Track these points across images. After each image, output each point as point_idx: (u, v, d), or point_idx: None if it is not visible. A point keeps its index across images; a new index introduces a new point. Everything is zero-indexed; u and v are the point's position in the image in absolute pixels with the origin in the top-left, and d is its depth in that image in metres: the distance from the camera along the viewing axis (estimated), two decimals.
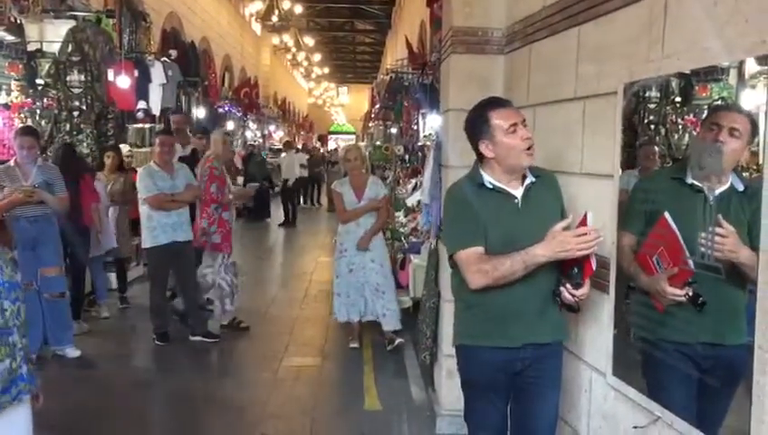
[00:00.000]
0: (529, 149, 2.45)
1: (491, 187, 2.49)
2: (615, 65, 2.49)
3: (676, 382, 2.20)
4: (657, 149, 2.47)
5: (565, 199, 2.65)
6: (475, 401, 2.65)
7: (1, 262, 2.15)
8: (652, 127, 2.47)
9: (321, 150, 23.07)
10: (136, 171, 6.46)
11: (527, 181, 2.51)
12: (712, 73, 2.10)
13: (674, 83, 2.32)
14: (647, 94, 2.44)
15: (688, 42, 2.08)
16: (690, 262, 2.02)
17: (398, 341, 5.62)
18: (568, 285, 2.36)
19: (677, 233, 2.08)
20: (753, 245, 1.78)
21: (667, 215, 2.12)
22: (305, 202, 17.89)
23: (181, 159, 6.54)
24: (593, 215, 2.32)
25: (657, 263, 2.18)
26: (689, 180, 2.12)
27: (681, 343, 2.18)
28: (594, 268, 2.32)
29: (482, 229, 2.45)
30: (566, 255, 2.26)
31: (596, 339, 2.67)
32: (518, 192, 2.50)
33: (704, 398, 2.12)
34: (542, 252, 2.30)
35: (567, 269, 2.38)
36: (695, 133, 2.26)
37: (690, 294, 2.06)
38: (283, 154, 16.73)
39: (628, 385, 2.42)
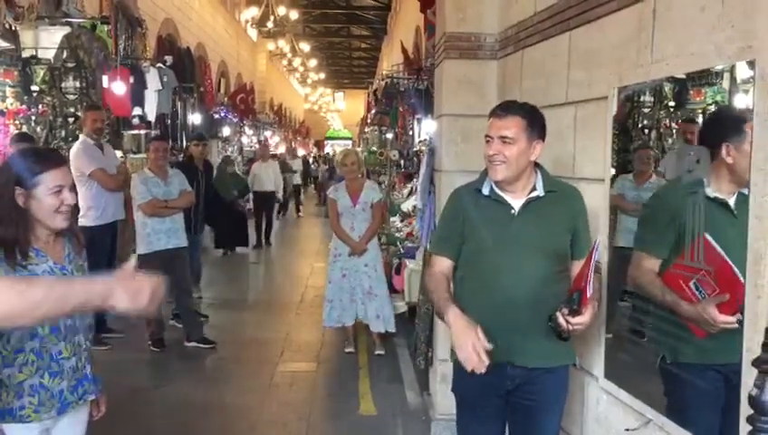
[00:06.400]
0: (493, 163, 2.33)
1: (487, 193, 2.40)
2: (605, 70, 2.51)
3: (708, 404, 2.06)
4: (652, 152, 2.46)
5: None
6: (465, 416, 2.57)
7: (72, 266, 2.23)
8: (646, 131, 2.48)
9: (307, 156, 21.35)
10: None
11: (532, 194, 2.37)
12: (706, 77, 2.08)
13: (667, 88, 2.32)
14: (641, 99, 2.44)
15: (676, 47, 2.09)
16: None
17: (377, 352, 5.65)
18: (564, 310, 2.17)
19: (726, 257, 1.88)
20: None
21: (708, 237, 1.94)
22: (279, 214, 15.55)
23: (178, 166, 6.55)
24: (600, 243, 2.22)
25: (696, 288, 1.99)
26: (712, 194, 1.98)
27: (722, 365, 2.00)
28: (589, 295, 2.13)
29: (456, 239, 2.45)
30: None
31: (588, 343, 2.67)
32: (517, 203, 2.37)
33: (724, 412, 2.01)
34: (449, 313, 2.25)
35: (570, 294, 2.21)
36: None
37: (742, 319, 1.83)
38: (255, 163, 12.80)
39: (620, 388, 2.42)
